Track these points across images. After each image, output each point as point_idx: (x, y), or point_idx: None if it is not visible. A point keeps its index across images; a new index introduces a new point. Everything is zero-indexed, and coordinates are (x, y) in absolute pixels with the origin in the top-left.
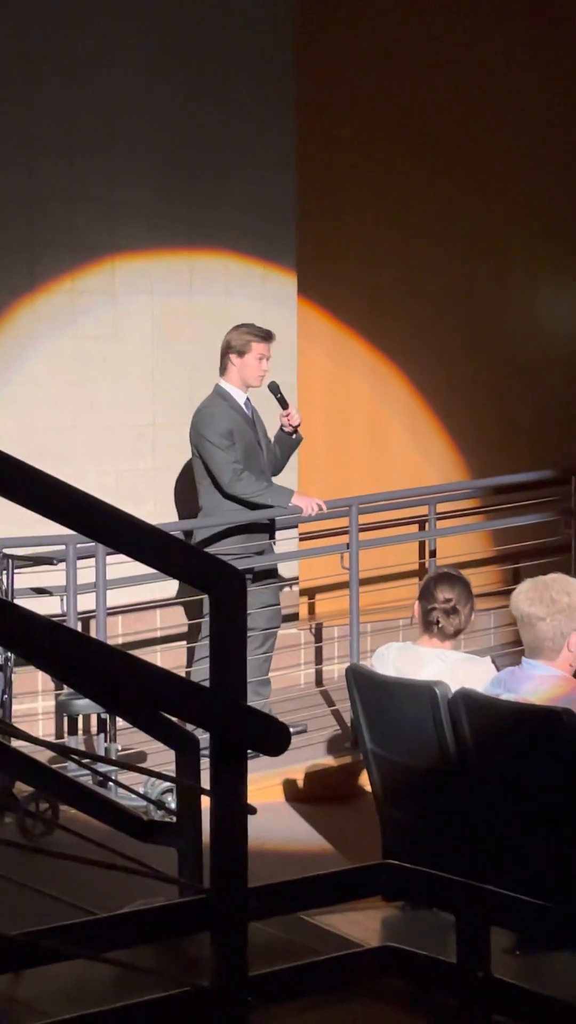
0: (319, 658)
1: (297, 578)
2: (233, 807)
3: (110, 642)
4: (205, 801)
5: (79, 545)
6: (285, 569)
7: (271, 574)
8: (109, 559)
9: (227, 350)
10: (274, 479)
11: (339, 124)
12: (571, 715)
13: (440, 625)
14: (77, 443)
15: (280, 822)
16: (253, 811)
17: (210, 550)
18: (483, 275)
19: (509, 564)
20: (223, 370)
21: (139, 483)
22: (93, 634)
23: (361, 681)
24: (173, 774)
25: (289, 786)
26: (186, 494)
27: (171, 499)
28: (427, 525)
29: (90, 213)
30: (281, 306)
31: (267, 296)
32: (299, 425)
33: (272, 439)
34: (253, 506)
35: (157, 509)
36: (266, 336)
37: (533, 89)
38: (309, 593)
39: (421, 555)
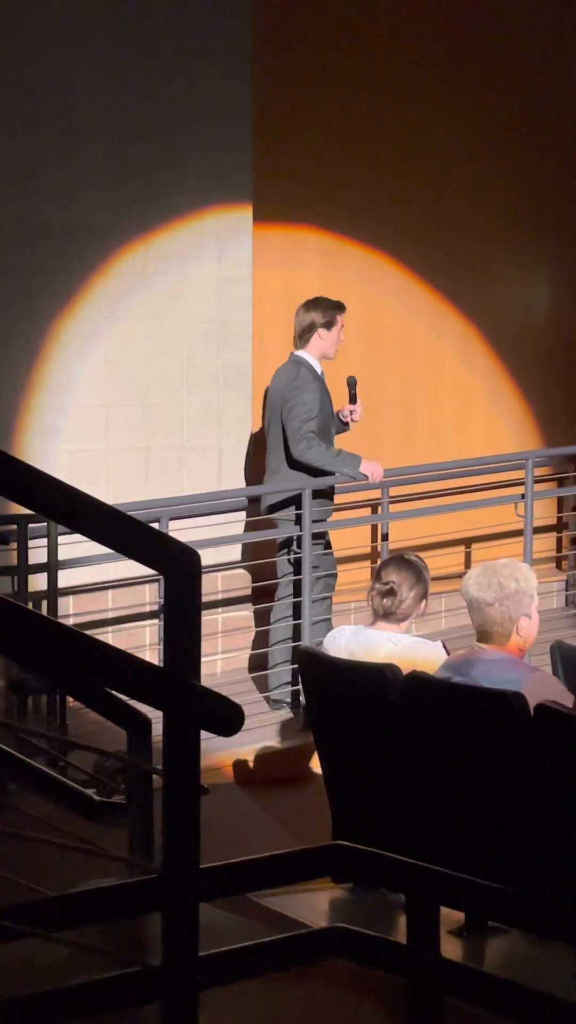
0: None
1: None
2: (185, 787)
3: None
4: (156, 781)
5: (31, 525)
6: (236, 551)
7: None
8: (62, 539)
9: (313, 325)
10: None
11: (297, 99)
12: (521, 698)
13: (373, 605)
14: (29, 423)
15: (229, 803)
16: (206, 791)
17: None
18: (444, 253)
19: (462, 548)
20: (306, 343)
21: (93, 463)
22: (44, 614)
23: (313, 663)
24: (124, 753)
25: (239, 767)
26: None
27: (124, 480)
28: (379, 508)
29: (44, 190)
30: (236, 295)
31: (222, 277)
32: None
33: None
34: (316, 472)
35: (111, 489)
36: (343, 307)
37: (505, 60)
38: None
39: (374, 539)
